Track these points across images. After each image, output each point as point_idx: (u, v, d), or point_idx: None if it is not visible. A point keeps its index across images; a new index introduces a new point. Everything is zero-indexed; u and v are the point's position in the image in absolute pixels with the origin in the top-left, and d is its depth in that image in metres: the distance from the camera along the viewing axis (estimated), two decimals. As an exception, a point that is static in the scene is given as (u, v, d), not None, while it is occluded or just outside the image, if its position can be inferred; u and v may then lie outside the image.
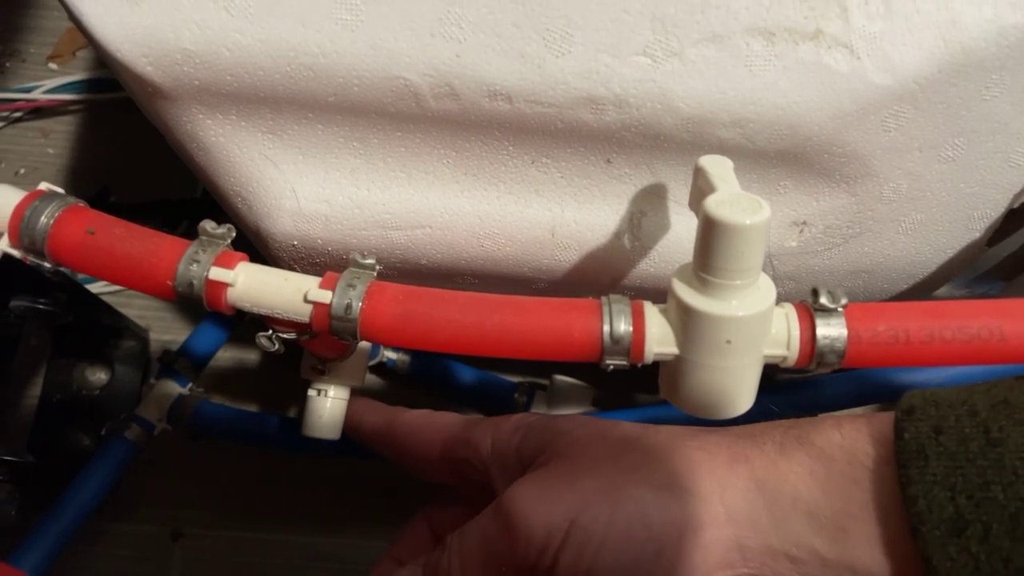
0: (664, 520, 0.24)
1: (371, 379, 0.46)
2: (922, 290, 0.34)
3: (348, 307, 0.24)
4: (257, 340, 0.26)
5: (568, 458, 0.27)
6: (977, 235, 0.32)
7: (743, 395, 0.24)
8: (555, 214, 0.30)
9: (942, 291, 0.36)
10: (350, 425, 0.35)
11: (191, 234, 0.25)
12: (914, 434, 0.22)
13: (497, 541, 0.26)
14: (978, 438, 0.21)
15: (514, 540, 0.25)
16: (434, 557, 0.29)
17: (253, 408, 0.45)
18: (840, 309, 0.24)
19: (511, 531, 0.26)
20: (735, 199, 0.22)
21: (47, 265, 0.26)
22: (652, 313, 0.24)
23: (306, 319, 0.25)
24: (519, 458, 0.29)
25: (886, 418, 0.23)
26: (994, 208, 0.31)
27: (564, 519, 0.25)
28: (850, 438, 0.24)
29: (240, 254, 0.25)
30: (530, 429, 0.29)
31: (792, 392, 0.37)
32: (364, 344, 0.35)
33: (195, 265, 0.24)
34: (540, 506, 0.25)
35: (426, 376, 0.44)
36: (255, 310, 0.25)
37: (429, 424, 0.33)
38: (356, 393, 0.36)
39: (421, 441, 0.32)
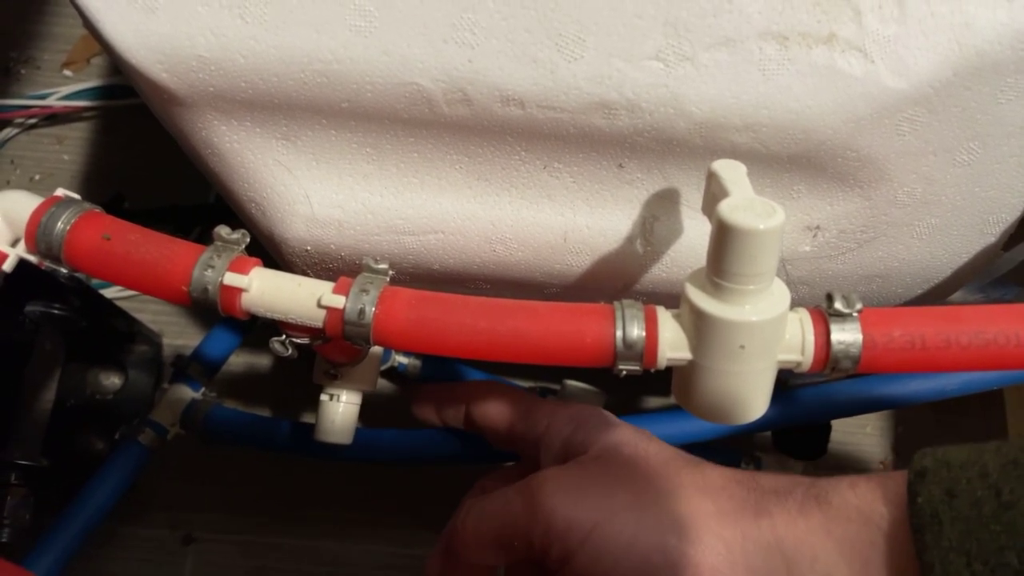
0: (683, 551, 0.24)
1: (382, 384, 0.46)
2: (937, 295, 0.34)
3: (361, 312, 0.24)
4: (271, 345, 0.26)
5: (608, 466, 0.28)
6: (992, 239, 0.32)
7: (757, 400, 0.24)
8: (567, 219, 0.30)
9: (957, 296, 0.36)
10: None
11: (204, 239, 0.25)
12: (927, 498, 0.22)
13: (518, 515, 0.27)
14: (990, 501, 0.21)
15: (534, 520, 0.26)
16: (455, 518, 0.30)
17: (265, 413, 0.45)
18: (855, 314, 0.24)
19: (534, 510, 0.26)
20: (749, 204, 0.22)
21: (63, 270, 0.26)
22: (665, 318, 0.24)
23: (320, 324, 0.25)
24: (565, 448, 0.30)
25: (899, 479, 0.24)
26: (1010, 212, 0.31)
27: (589, 520, 0.25)
28: (865, 500, 0.24)
29: (254, 259, 0.26)
30: (582, 424, 0.30)
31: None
32: (376, 349, 0.35)
33: (210, 270, 0.24)
34: (569, 498, 0.26)
35: (437, 381, 0.44)
36: (269, 315, 0.25)
37: (501, 396, 0.34)
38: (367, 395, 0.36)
39: (492, 412, 0.34)
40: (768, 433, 0.43)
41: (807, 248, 0.30)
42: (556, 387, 0.44)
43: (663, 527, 0.25)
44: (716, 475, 0.27)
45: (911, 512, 0.22)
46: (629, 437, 0.29)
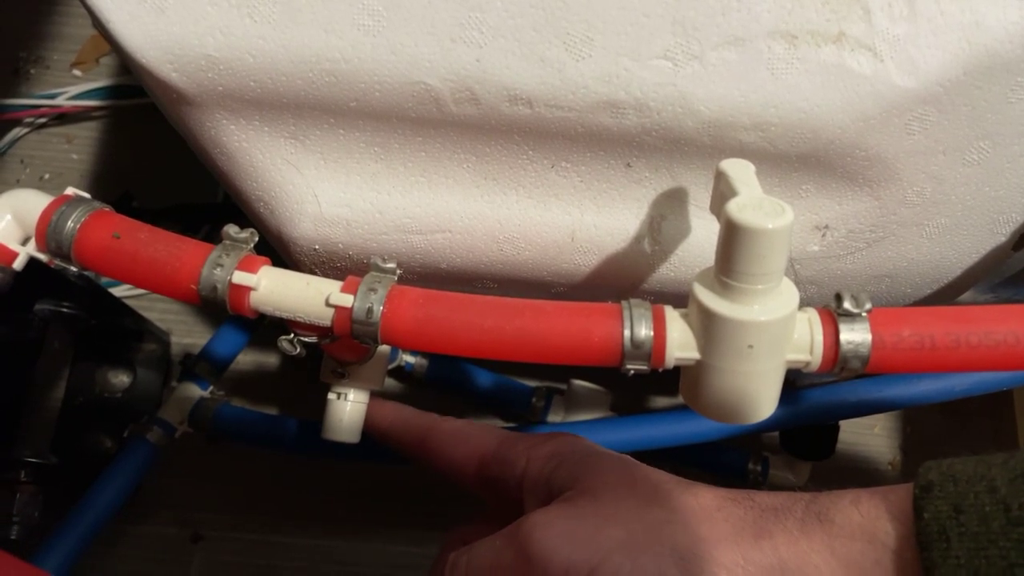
0: None
1: (389, 383, 0.46)
2: (946, 295, 0.34)
3: (369, 311, 0.24)
4: (279, 344, 0.26)
5: (596, 500, 0.27)
6: (1002, 239, 0.31)
7: (765, 400, 0.24)
8: (574, 218, 0.30)
9: (966, 296, 0.35)
10: (379, 428, 0.35)
11: (212, 238, 0.25)
12: (934, 514, 0.22)
13: (511, 566, 0.26)
14: (999, 516, 0.21)
15: (529, 569, 0.25)
16: (435, 573, 0.28)
17: (273, 411, 0.45)
18: (864, 314, 0.24)
19: (529, 558, 0.25)
20: (757, 203, 0.22)
21: (72, 269, 0.26)
22: (673, 317, 0.24)
23: (328, 323, 0.25)
24: (549, 487, 0.28)
25: (904, 493, 0.23)
26: (1020, 212, 0.31)
27: (586, 564, 0.24)
28: (869, 516, 0.23)
29: (263, 258, 0.26)
30: (564, 460, 0.29)
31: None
32: (383, 347, 0.35)
33: (219, 269, 0.24)
34: (564, 544, 0.25)
35: (444, 380, 0.44)
36: (277, 314, 0.25)
37: (467, 438, 0.32)
38: (378, 396, 0.36)
39: (457, 455, 0.32)
40: (776, 433, 0.43)
41: (816, 247, 0.30)
42: (562, 387, 0.44)
43: (661, 560, 0.24)
44: (709, 496, 0.26)
45: (917, 529, 0.22)
46: (615, 465, 0.28)
